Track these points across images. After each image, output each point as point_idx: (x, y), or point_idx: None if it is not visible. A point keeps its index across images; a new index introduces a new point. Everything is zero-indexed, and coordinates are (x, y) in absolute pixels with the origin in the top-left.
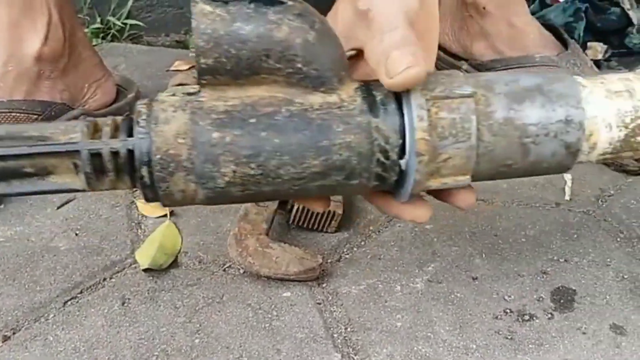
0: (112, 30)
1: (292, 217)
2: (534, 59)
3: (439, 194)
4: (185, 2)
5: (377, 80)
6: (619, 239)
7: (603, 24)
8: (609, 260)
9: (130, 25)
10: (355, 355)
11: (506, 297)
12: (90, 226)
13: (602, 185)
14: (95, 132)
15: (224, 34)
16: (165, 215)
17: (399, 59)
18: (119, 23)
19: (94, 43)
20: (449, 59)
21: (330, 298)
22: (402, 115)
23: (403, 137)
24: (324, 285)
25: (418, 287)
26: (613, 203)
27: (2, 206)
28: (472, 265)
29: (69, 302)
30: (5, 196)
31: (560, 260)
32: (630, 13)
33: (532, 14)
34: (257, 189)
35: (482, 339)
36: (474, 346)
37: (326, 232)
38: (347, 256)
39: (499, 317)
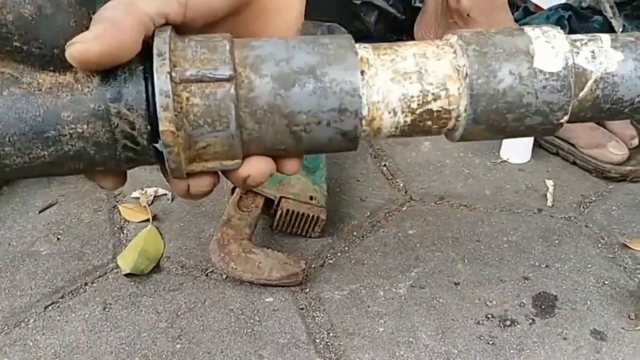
0: None
1: (275, 222)
2: None
3: None
4: None
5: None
6: (599, 245)
7: (586, 32)
8: (589, 266)
9: None
10: None
11: (488, 303)
12: (72, 230)
13: (584, 192)
14: None
15: None
16: (147, 220)
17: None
18: None
19: None
20: None
21: (313, 303)
22: (149, 97)
23: (154, 120)
24: (307, 290)
25: (401, 292)
26: (594, 209)
27: None
28: (455, 271)
29: (50, 307)
30: None
31: (542, 266)
32: (613, 21)
33: (516, 21)
34: None
35: (463, 344)
36: (456, 351)
37: (310, 237)
38: (330, 261)
39: (481, 322)
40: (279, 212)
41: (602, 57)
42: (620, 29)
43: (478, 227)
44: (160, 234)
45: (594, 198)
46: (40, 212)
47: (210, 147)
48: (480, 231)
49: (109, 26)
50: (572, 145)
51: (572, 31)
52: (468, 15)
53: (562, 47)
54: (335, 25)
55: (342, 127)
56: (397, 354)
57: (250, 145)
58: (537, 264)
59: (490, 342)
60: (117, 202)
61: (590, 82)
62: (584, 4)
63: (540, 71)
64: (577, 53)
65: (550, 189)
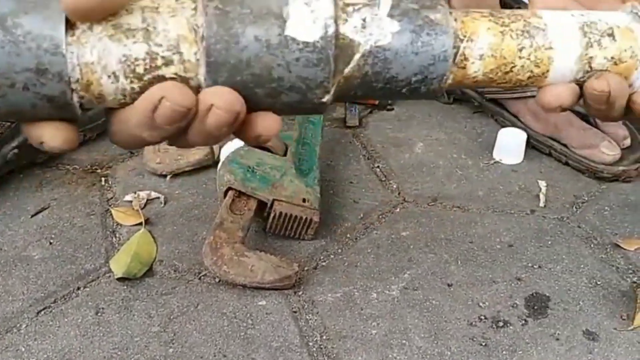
0: None
1: (268, 225)
2: None
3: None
4: None
5: None
6: (592, 246)
7: None
8: (582, 266)
9: None
10: None
11: (481, 304)
12: (65, 235)
13: (576, 192)
14: None
15: None
16: (140, 224)
17: None
18: None
19: None
20: None
21: (306, 306)
22: None
23: None
24: (300, 293)
25: (394, 294)
26: (587, 209)
27: None
28: (448, 272)
29: (42, 312)
30: None
31: (535, 266)
32: None
33: None
34: None
35: (456, 346)
36: (449, 353)
37: (303, 239)
38: (323, 264)
39: (474, 323)
40: (271, 215)
41: (374, 26)
42: None
43: (471, 228)
44: (153, 237)
45: (586, 198)
46: (32, 216)
47: None
48: (473, 232)
49: None
50: (565, 145)
51: None
52: None
53: (323, 11)
54: None
55: (45, 92)
56: (390, 356)
57: None
58: (529, 264)
59: (483, 344)
60: (110, 205)
61: (357, 57)
62: None
63: (293, 39)
64: (346, 20)
65: (543, 189)
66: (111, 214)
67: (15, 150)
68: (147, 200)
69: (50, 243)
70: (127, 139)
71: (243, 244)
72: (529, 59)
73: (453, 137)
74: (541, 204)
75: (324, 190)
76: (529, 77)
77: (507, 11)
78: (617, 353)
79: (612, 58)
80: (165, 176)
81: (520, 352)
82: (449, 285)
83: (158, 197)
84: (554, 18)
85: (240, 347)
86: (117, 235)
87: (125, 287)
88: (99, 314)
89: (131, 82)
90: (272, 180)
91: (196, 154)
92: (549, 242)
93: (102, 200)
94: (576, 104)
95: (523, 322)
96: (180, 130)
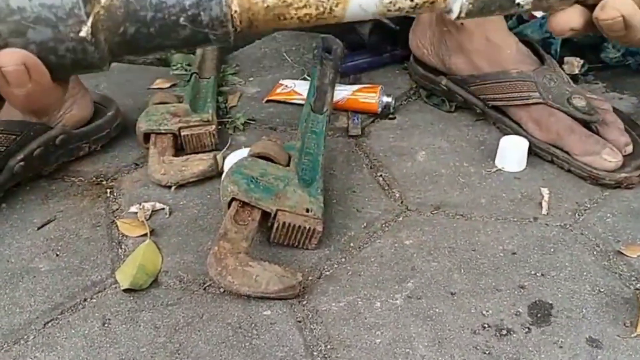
0: None
1: (272, 235)
2: (511, 75)
3: None
4: None
5: None
6: (595, 253)
7: (579, 40)
8: (585, 274)
9: None
10: None
11: (484, 312)
12: (71, 246)
13: (579, 199)
14: None
15: None
16: (145, 235)
17: None
18: None
19: None
20: (428, 74)
21: (310, 316)
22: None
23: None
24: (304, 302)
25: (397, 303)
26: (589, 217)
27: None
28: (451, 281)
29: (49, 324)
30: None
31: (538, 274)
32: None
33: (510, 29)
34: None
35: (460, 355)
36: None
37: (307, 249)
38: (327, 273)
39: (477, 332)
40: (275, 225)
41: None
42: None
43: (474, 237)
44: (158, 248)
45: (589, 205)
46: (38, 228)
47: None
48: (476, 240)
49: None
50: (567, 153)
51: (565, 38)
52: (462, 24)
53: None
54: (330, 36)
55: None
56: None
57: None
58: (532, 272)
59: (487, 352)
60: (115, 217)
61: None
62: None
63: None
64: None
65: (546, 197)
66: (117, 226)
67: (22, 163)
68: (152, 211)
69: (57, 255)
70: None
71: (247, 254)
72: None
73: (455, 145)
74: (544, 212)
75: (327, 200)
76: (317, 16)
77: None
78: None
79: None
80: (169, 187)
81: None
82: (452, 293)
83: (163, 208)
84: None
85: (246, 357)
86: (123, 246)
87: (131, 298)
88: (106, 325)
89: None
90: (275, 191)
91: (200, 165)
92: (552, 250)
93: (107, 211)
94: (589, 28)
95: (526, 330)
96: None
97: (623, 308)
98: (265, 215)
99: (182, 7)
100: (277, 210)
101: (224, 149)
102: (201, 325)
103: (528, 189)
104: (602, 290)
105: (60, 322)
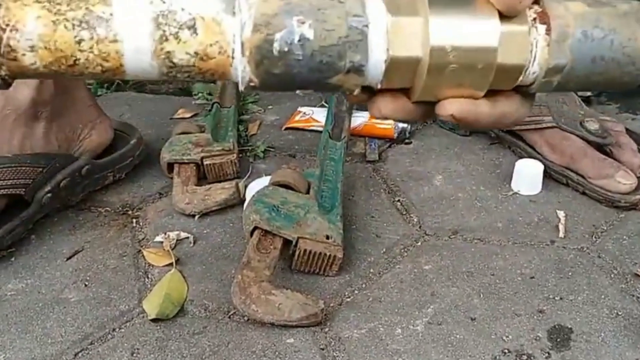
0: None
1: (294, 262)
2: None
3: None
4: None
5: None
6: (612, 275)
7: None
8: (603, 297)
9: None
10: None
11: (504, 337)
12: (99, 276)
13: (595, 222)
14: None
15: None
16: (171, 264)
17: None
18: None
19: (98, 93)
20: None
21: (333, 343)
22: None
23: None
24: (326, 330)
25: (418, 329)
26: (606, 239)
27: (12, 259)
28: (471, 306)
29: (80, 354)
30: None
31: (556, 298)
32: None
33: None
34: None
35: None
36: None
37: (328, 275)
38: (348, 299)
39: (498, 357)
40: (296, 253)
41: None
42: None
43: (492, 261)
44: (184, 277)
45: (605, 228)
46: (67, 259)
47: None
48: (494, 265)
49: None
50: (581, 175)
51: None
52: None
53: None
54: None
55: None
56: None
57: None
58: (551, 296)
59: None
60: (141, 246)
61: None
62: None
63: None
64: None
65: (562, 220)
66: (143, 255)
67: (49, 195)
68: (177, 240)
69: (86, 285)
70: None
71: (270, 283)
72: (92, 52)
73: (471, 169)
74: (560, 235)
75: (346, 225)
76: (104, 71)
77: None
78: None
79: (197, 54)
80: (193, 216)
81: None
82: (472, 319)
83: (187, 237)
84: (126, 6)
85: None
86: (149, 276)
87: (158, 327)
88: (134, 355)
89: None
90: (296, 218)
91: (222, 194)
92: (570, 273)
93: (133, 241)
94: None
95: (546, 355)
96: None
97: None
98: (287, 242)
99: None
100: (298, 237)
101: (245, 177)
102: (227, 353)
103: (544, 212)
104: (620, 313)
105: (90, 352)
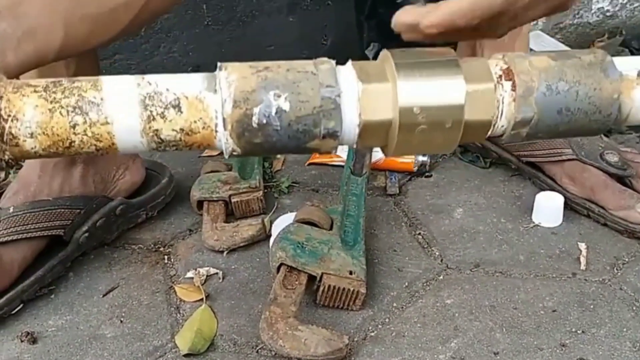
0: None
1: (318, 298)
2: None
3: None
4: None
5: None
6: (634, 308)
7: None
8: (625, 330)
9: None
10: None
11: None
12: (133, 312)
13: (616, 253)
14: None
15: None
16: (201, 300)
17: None
18: None
19: None
20: None
21: None
22: None
23: None
24: None
25: None
26: (627, 271)
27: (52, 296)
28: (493, 340)
29: None
30: None
31: (578, 332)
32: None
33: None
34: None
35: None
36: None
37: (352, 310)
38: (372, 334)
39: None
40: (321, 288)
41: None
42: None
43: (514, 294)
44: (214, 312)
45: (627, 259)
46: (103, 295)
47: None
48: (516, 298)
49: None
50: (602, 207)
51: None
52: None
53: None
54: None
55: None
56: None
57: None
58: (573, 329)
59: None
60: (173, 282)
61: None
62: None
63: None
64: None
65: (584, 252)
66: (175, 291)
67: (86, 234)
68: (207, 276)
69: (121, 321)
70: None
71: (296, 318)
72: (85, 134)
73: (492, 201)
74: (582, 267)
75: (369, 260)
76: (98, 149)
77: (66, 83)
78: None
79: (182, 130)
80: (222, 252)
81: None
82: (495, 353)
83: (217, 273)
84: (115, 90)
85: None
86: (181, 311)
87: None
88: None
89: None
90: (320, 255)
91: (250, 230)
92: (592, 306)
93: (165, 277)
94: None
95: None
96: None
97: None
98: (312, 278)
99: None
100: (323, 273)
101: (271, 213)
102: None
103: (565, 244)
104: None
105: None
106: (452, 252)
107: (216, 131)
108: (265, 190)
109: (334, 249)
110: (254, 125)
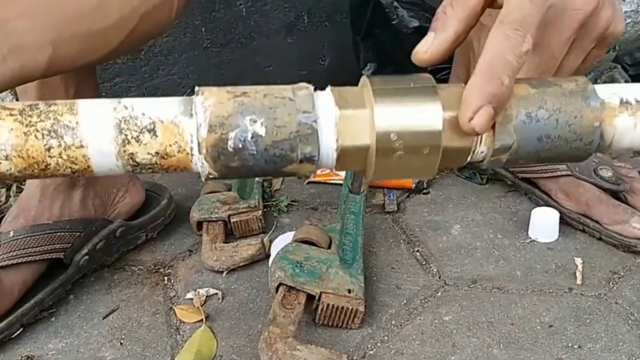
0: None
1: (317, 317)
2: None
3: None
4: None
5: None
6: (630, 322)
7: None
8: (621, 344)
9: None
10: None
11: None
12: (133, 334)
13: (612, 267)
14: None
15: None
16: (201, 320)
17: None
18: None
19: None
20: None
21: None
22: None
23: None
24: None
25: None
26: (623, 285)
27: (53, 319)
28: (491, 356)
29: None
30: None
31: (575, 346)
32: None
33: None
34: None
35: None
36: None
37: (351, 328)
38: (371, 352)
39: None
40: (320, 307)
41: None
42: None
43: (511, 310)
44: (213, 333)
45: (622, 273)
46: (103, 318)
47: None
48: (513, 314)
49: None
50: (597, 222)
51: None
52: None
53: None
54: None
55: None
56: None
57: None
58: (569, 344)
59: None
60: (173, 304)
61: None
62: None
63: None
64: None
65: (579, 266)
66: (174, 312)
67: (86, 257)
68: (207, 296)
69: (121, 343)
70: None
71: (295, 338)
72: (60, 157)
73: (489, 217)
74: (578, 282)
75: (367, 278)
76: (74, 172)
77: (42, 107)
78: None
79: (157, 153)
80: (222, 272)
81: None
82: None
83: (216, 293)
84: (90, 114)
85: None
86: (181, 332)
87: None
88: None
89: None
90: (319, 274)
91: (249, 250)
92: (588, 321)
93: (165, 298)
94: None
95: None
96: None
97: None
98: (311, 297)
99: None
100: (321, 292)
101: (270, 232)
102: None
103: (562, 259)
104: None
105: None
106: (450, 268)
107: (192, 155)
108: (265, 210)
109: (332, 268)
110: (230, 149)
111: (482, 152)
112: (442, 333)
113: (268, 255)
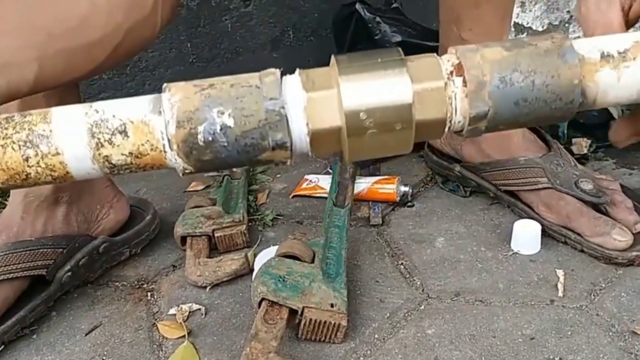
0: None
1: (300, 332)
2: (519, 162)
3: None
4: None
5: None
6: (611, 334)
7: (585, 120)
8: (602, 356)
9: None
10: None
11: None
12: (116, 351)
13: (594, 279)
14: None
15: None
16: (184, 336)
17: None
18: None
19: None
20: (442, 162)
21: None
22: None
23: None
24: None
25: None
26: (604, 297)
27: (34, 336)
28: None
29: None
30: None
31: (556, 359)
32: (610, 108)
33: None
34: None
35: None
36: None
37: (333, 342)
38: None
39: None
40: (302, 322)
41: None
42: (617, 114)
43: (493, 323)
44: (196, 349)
45: (603, 285)
46: (86, 334)
47: None
48: (495, 327)
49: None
50: (579, 234)
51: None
52: None
53: None
54: None
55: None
56: None
57: None
58: (551, 357)
59: None
60: (156, 319)
61: None
62: None
63: None
64: None
65: (561, 278)
66: (157, 328)
67: (69, 274)
68: (190, 312)
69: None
70: None
71: (277, 354)
72: (39, 166)
73: (472, 230)
74: (560, 294)
75: (351, 291)
76: (54, 179)
77: (17, 118)
78: None
79: (131, 153)
80: (205, 287)
81: None
82: None
83: (199, 309)
84: (63, 121)
85: None
86: (164, 348)
87: None
88: None
89: None
90: (301, 288)
91: (233, 265)
92: (569, 333)
93: (148, 314)
94: None
95: None
96: None
97: None
98: (293, 312)
99: None
100: (304, 307)
101: (255, 246)
102: None
103: (544, 271)
104: None
105: None
106: (434, 281)
107: (165, 152)
108: (250, 224)
109: (315, 282)
110: (201, 143)
111: (459, 122)
112: (424, 347)
113: (252, 270)
